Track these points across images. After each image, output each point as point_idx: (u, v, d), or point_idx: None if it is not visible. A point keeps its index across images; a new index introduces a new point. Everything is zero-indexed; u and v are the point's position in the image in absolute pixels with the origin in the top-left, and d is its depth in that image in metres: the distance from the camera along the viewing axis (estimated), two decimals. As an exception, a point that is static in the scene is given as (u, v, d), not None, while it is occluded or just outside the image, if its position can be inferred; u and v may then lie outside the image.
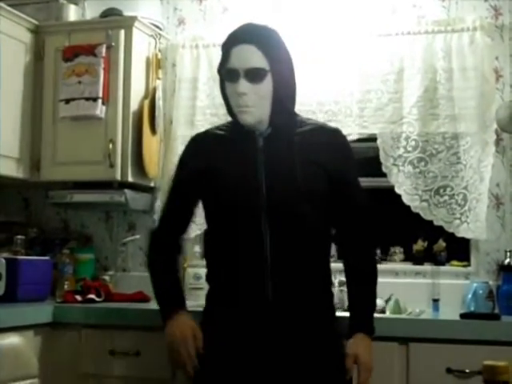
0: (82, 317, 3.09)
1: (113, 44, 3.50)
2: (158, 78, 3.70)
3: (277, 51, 2.23)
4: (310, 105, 3.49)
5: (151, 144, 3.62)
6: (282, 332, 2.19)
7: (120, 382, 3.02)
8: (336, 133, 2.39)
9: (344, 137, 2.40)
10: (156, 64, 3.70)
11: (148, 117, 3.60)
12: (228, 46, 2.23)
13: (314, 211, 2.21)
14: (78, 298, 3.29)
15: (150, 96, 3.64)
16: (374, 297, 2.36)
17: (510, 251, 3.16)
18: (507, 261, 3.14)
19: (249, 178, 2.21)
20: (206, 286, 3.49)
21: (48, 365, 3.02)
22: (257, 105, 2.20)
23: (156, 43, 3.72)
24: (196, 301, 3.46)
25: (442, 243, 3.40)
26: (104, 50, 3.48)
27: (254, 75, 2.18)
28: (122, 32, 3.52)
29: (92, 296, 3.30)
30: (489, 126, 3.29)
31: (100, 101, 3.45)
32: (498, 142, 3.35)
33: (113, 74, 3.50)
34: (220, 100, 3.59)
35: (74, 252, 3.71)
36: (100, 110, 3.46)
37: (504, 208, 3.36)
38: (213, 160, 2.28)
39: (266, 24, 2.31)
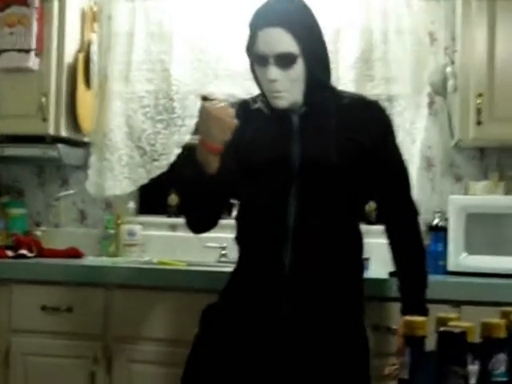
0: (13, 272, 3.07)
1: (47, -6, 3.42)
2: (93, 32, 3.63)
3: (307, 30, 2.10)
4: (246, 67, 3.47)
5: (85, 98, 3.56)
6: (297, 304, 2.13)
7: (52, 338, 3.02)
8: (374, 105, 2.29)
9: (382, 109, 2.30)
10: (91, 17, 3.62)
11: (83, 71, 3.53)
12: (255, 28, 2.09)
13: (345, 184, 2.15)
14: (9, 253, 3.25)
15: (85, 50, 3.57)
16: (426, 272, 2.30)
17: (438, 212, 3.23)
18: (435, 221, 3.21)
19: (282, 149, 2.13)
20: (140, 243, 3.55)
21: (-22, 320, 3.00)
22: (289, 89, 2.10)
23: (92, -5, 3.65)
24: (130, 257, 3.47)
25: (373, 204, 3.45)
26: (38, 0, 3.38)
27: (284, 61, 2.06)
28: (57, -18, 3.44)
29: (23, 251, 3.26)
30: (422, 89, 3.34)
31: (33, 53, 3.37)
32: (430, 105, 3.40)
33: (47, 26, 3.41)
34: (156, 55, 3.61)
35: (5, 207, 3.66)
36: (33, 62, 3.38)
37: (435, 170, 3.44)
38: (247, 132, 2.16)
39: None
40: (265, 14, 2.10)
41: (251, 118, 2.20)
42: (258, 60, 2.11)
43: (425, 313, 2.22)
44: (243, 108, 2.22)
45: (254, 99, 2.27)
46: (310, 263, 2.14)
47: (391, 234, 2.33)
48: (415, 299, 2.26)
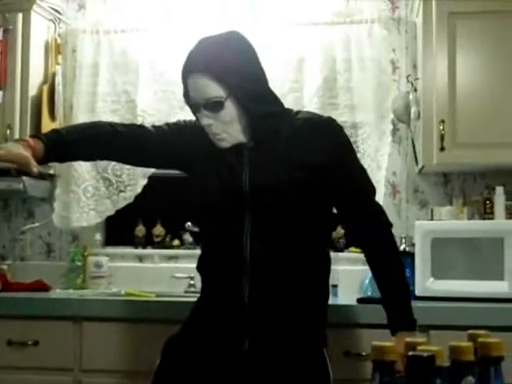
0: (-21, 307, 3.03)
1: (10, 27, 3.41)
2: (58, 64, 3.63)
3: (233, 72, 2.09)
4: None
5: (51, 130, 3.55)
6: (257, 337, 2.10)
7: (19, 373, 2.97)
8: (328, 124, 2.21)
9: (337, 126, 2.22)
10: (55, 49, 3.63)
11: (47, 102, 3.53)
12: (184, 76, 2.14)
13: (301, 210, 2.12)
14: (-26, 287, 3.21)
15: (50, 81, 3.58)
16: (407, 285, 2.25)
17: (405, 238, 3.26)
18: (402, 247, 3.23)
19: (234, 181, 2.13)
20: (108, 274, 3.52)
21: None
22: (225, 130, 2.11)
23: (56, 28, 3.65)
24: (97, 289, 3.44)
25: (340, 230, 3.48)
26: (1, 33, 3.39)
27: (213, 106, 2.08)
28: (20, 15, 3.43)
29: (-11, 286, 3.23)
30: (385, 116, 3.40)
31: (-4, 86, 3.37)
32: (394, 131, 3.46)
33: (10, 59, 3.41)
34: (121, 86, 3.62)
35: (-31, 241, 3.62)
36: (-3, 95, 3.38)
37: (400, 196, 3.48)
38: (199, 157, 2.21)
39: (222, 35, 2.21)
40: (190, 61, 2.13)
41: (208, 148, 2.18)
42: (191, 107, 2.16)
43: (414, 325, 2.18)
44: (200, 132, 2.19)
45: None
46: (268, 293, 2.10)
47: (367, 251, 2.28)
48: (402, 312, 2.20)
